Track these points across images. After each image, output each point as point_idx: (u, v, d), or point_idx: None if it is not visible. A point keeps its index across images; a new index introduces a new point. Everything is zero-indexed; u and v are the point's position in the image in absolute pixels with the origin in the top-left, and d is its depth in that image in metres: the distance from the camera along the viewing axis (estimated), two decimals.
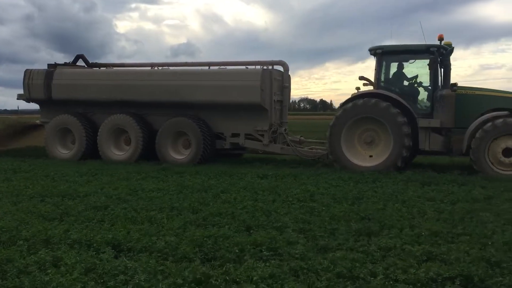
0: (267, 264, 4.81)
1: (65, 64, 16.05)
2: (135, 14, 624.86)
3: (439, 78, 12.36)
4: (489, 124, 11.28)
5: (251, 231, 6.09)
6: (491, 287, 4.21)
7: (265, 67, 13.71)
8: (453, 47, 12.27)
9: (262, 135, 13.70)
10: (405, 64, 12.80)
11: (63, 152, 15.03)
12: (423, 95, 12.68)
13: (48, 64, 15.80)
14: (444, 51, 12.21)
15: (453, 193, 8.59)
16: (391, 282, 4.32)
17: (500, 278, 4.34)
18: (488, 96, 12.13)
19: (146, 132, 14.16)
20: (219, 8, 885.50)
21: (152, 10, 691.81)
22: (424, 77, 12.51)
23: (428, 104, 12.38)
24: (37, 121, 16.84)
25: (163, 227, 6.23)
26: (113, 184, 9.65)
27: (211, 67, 14.50)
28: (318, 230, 6.06)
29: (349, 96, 12.79)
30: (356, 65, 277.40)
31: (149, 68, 15.27)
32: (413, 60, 12.64)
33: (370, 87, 12.93)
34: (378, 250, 5.23)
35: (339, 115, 12.43)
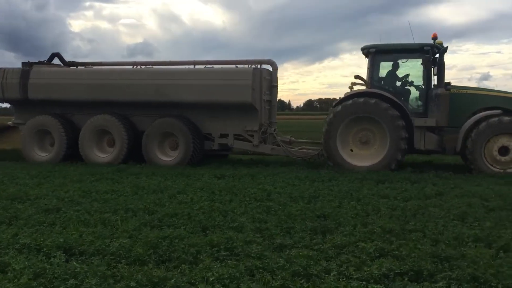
0: (223, 264, 4.79)
1: (40, 62, 15.33)
2: (89, 13, 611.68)
3: (432, 77, 12.45)
4: (484, 123, 11.43)
5: (207, 231, 6.05)
6: (439, 281, 4.33)
7: (254, 66, 13.46)
8: (447, 46, 12.37)
9: (252, 136, 13.47)
10: (398, 63, 12.80)
11: (41, 154, 14.38)
12: (416, 94, 12.74)
13: (23, 63, 15.03)
14: (437, 50, 12.33)
15: (406, 191, 8.80)
16: (345, 279, 4.38)
17: (449, 273, 4.47)
18: (481, 95, 12.31)
19: (131, 133, 13.73)
20: (176, 8, 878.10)
21: (108, 8, 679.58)
22: (418, 76, 12.57)
23: (421, 103, 12.47)
24: (9, 123, 16.03)
25: (117, 229, 6.10)
26: (66, 186, 9.39)
27: (198, 66, 14.18)
28: (275, 229, 6.08)
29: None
30: (314, 65, 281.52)
31: (131, 67, 14.82)
32: (405, 60, 12.72)
33: (362, 87, 12.89)
34: (333, 248, 5.30)
35: (331, 118, 12.32)
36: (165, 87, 13.41)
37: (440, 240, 5.58)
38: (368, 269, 4.56)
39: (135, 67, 14.78)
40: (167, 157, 13.50)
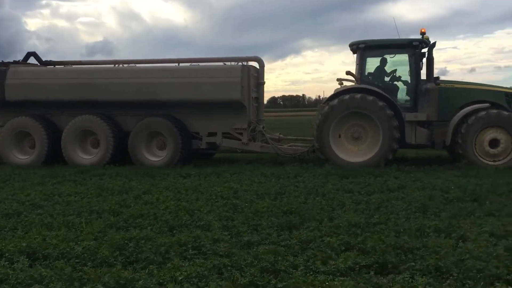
0: (191, 263, 4.79)
1: (15, 62, 14.72)
2: (46, 11, 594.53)
3: (420, 72, 12.57)
4: (473, 117, 11.64)
5: (175, 231, 6.03)
6: (404, 272, 4.45)
7: (242, 63, 13.27)
8: (435, 42, 12.51)
9: (241, 134, 13.32)
10: (387, 58, 12.90)
11: (21, 157, 13.85)
12: (405, 89, 12.85)
13: (3, 62, 14.57)
14: (425, 45, 12.47)
15: (369, 185, 8.98)
16: (312, 274, 4.45)
17: (413, 263, 4.61)
18: (468, 89, 12.52)
19: (117, 133, 13.35)
20: (136, 6, 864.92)
21: (65, 7, 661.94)
22: (406, 71, 12.67)
23: (409, 98, 12.62)
24: None
25: (81, 232, 6.01)
26: (26, 189, 9.15)
27: (182, 64, 13.92)
28: (242, 227, 6.11)
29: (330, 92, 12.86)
30: (276, 62, 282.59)
31: (112, 65, 14.43)
32: (393, 55, 12.83)
33: (351, 83, 12.94)
34: (299, 243, 5.37)
35: (327, 111, 12.32)
36: (151, 86, 13.11)
37: (403, 232, 5.74)
38: (334, 263, 4.64)
39: (116, 65, 14.41)
40: (155, 157, 13.21)
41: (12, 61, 14.72)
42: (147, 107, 13.36)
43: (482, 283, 4.10)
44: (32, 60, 15.16)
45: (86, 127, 13.45)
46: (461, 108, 12.11)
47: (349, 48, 13.23)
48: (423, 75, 12.52)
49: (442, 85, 12.38)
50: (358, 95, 12.11)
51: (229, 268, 4.63)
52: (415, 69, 12.51)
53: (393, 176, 9.93)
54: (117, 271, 4.52)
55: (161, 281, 4.35)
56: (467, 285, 4.07)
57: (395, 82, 12.96)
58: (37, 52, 15.19)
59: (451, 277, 4.29)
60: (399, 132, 11.91)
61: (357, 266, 4.58)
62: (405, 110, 12.30)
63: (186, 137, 13.08)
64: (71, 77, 13.77)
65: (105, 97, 13.36)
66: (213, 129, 13.38)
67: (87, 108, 13.56)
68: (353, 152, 12.35)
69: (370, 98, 12.01)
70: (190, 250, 5.15)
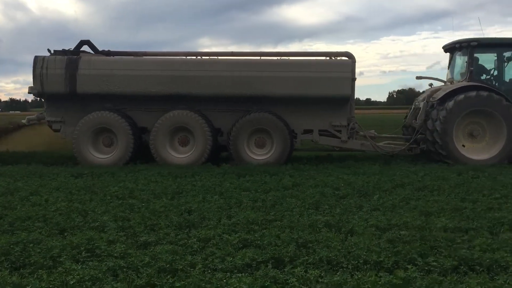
0: (84, 266, 4.60)
1: (64, 51, 12.96)
2: None
3: None
4: None
5: (66, 233, 5.76)
6: (299, 266, 4.64)
7: (352, 59, 12.81)
8: None
9: (339, 131, 12.80)
10: (504, 56, 12.98)
11: (99, 157, 12.48)
12: None
13: (55, 51, 12.83)
14: None
15: (265, 183, 9.21)
16: (210, 272, 4.49)
17: (306, 257, 4.82)
18: None
19: (214, 131, 12.49)
20: None
21: None
22: None
23: None
24: (23, 121, 13.72)
25: None
26: None
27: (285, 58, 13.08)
28: (138, 227, 5.99)
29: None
30: None
31: (207, 57, 13.33)
32: (510, 53, 12.93)
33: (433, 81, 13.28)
34: (198, 242, 5.38)
35: (450, 109, 12.26)
36: (252, 80, 12.30)
37: (298, 227, 5.97)
38: (232, 260, 4.72)
39: (201, 58, 13.34)
40: (256, 155, 12.46)
41: (61, 49, 13.03)
42: (241, 103, 12.60)
43: (368, 272, 4.40)
44: (85, 48, 13.58)
45: (180, 123, 12.40)
46: None
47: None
48: None
49: None
50: (485, 93, 12.32)
51: (125, 269, 4.53)
52: None
53: (288, 175, 10.27)
54: (3, 277, 4.22)
55: (51, 286, 4.14)
56: (355, 276, 4.34)
57: (508, 80, 13.19)
58: None
59: (341, 269, 4.56)
60: None
61: (254, 262, 4.69)
62: None
63: (291, 134, 12.50)
64: (158, 69, 12.55)
65: (197, 90, 12.39)
66: (309, 126, 12.83)
67: (171, 103, 12.55)
68: (475, 150, 12.59)
69: (496, 96, 12.30)
70: (83, 253, 4.95)
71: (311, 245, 5.23)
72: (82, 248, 5.06)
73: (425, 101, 13.13)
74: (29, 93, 12.86)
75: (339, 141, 12.89)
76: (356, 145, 13.10)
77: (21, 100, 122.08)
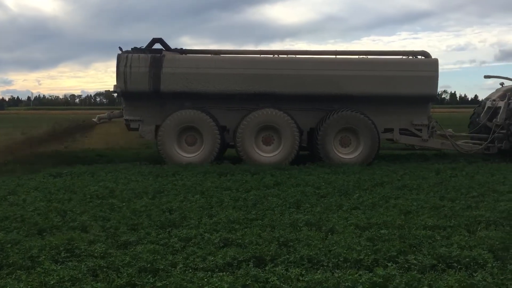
0: (64, 266, 4.55)
1: (136, 49, 12.75)
2: None
3: None
4: None
5: (45, 233, 5.69)
6: (280, 264, 4.66)
7: (410, 57, 12.86)
8: None
9: (420, 130, 12.73)
10: None
11: (185, 155, 12.27)
12: None
13: (133, 48, 12.67)
14: None
15: (247, 182, 9.21)
16: (191, 271, 4.47)
17: (288, 256, 4.84)
18: None
19: (300, 130, 12.33)
20: None
21: None
22: None
23: None
24: (94, 119, 13.46)
25: None
26: None
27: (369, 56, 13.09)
28: (119, 226, 5.94)
29: None
30: None
31: (293, 56, 13.14)
32: None
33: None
34: (179, 241, 5.36)
35: None
36: (339, 79, 12.27)
37: (279, 226, 5.99)
38: (213, 259, 4.71)
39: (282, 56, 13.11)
40: (342, 154, 12.39)
41: (133, 47, 12.86)
42: (324, 101, 12.50)
43: (349, 270, 4.44)
44: (157, 47, 13.26)
45: (267, 122, 12.24)
46: None
47: None
48: None
49: None
50: None
51: (105, 269, 4.50)
52: None
53: (269, 174, 10.28)
54: None
55: (29, 287, 4.09)
56: (335, 274, 4.37)
57: None
58: None
59: (322, 267, 4.59)
60: None
61: (235, 261, 4.69)
62: None
63: (378, 133, 12.42)
64: (244, 67, 12.46)
65: (281, 89, 12.29)
66: (390, 124, 12.82)
67: (253, 101, 12.42)
68: None
69: None
70: (63, 253, 4.90)
71: (292, 243, 5.25)
72: (61, 249, 5.00)
73: (506, 101, 13.36)
74: (112, 92, 12.77)
75: (420, 140, 12.96)
76: (437, 144, 13.24)
77: None
